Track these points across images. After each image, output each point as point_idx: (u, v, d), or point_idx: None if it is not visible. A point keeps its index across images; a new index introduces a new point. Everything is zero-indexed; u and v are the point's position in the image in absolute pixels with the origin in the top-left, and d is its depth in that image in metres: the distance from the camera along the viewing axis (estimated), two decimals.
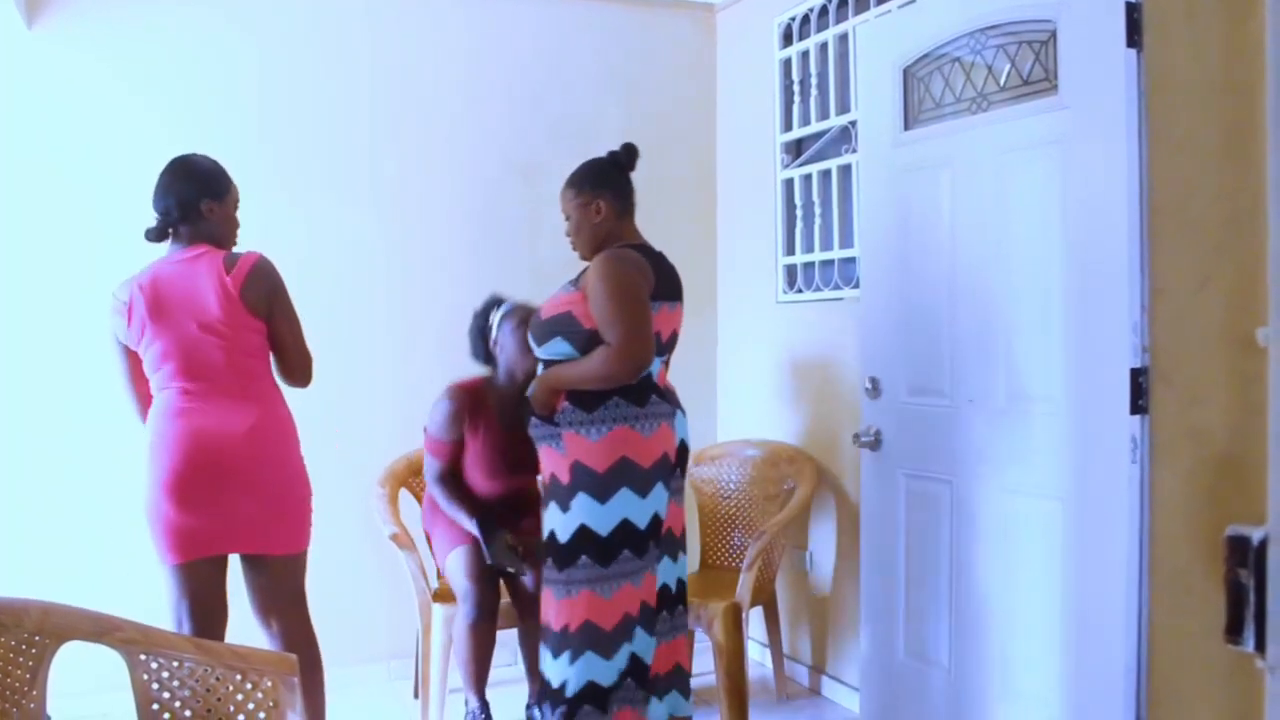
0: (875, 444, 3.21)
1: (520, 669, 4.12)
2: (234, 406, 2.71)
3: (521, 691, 3.59)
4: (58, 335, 3.71)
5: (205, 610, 2.74)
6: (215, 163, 2.87)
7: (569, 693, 2.77)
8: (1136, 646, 2.45)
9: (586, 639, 2.76)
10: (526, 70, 4.31)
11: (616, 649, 2.78)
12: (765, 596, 3.80)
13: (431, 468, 3.41)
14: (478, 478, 3.40)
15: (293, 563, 2.83)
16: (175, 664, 1.98)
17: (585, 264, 2.90)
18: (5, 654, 1.83)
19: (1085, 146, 2.53)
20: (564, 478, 2.80)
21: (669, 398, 2.91)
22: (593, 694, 2.78)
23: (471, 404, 3.38)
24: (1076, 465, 2.59)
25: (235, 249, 2.84)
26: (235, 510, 2.69)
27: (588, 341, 2.75)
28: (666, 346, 2.91)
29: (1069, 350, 2.60)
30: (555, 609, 2.81)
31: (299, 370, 2.83)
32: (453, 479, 3.41)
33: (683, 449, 2.93)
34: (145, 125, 3.79)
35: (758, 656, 4.24)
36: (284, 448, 2.79)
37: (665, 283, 2.87)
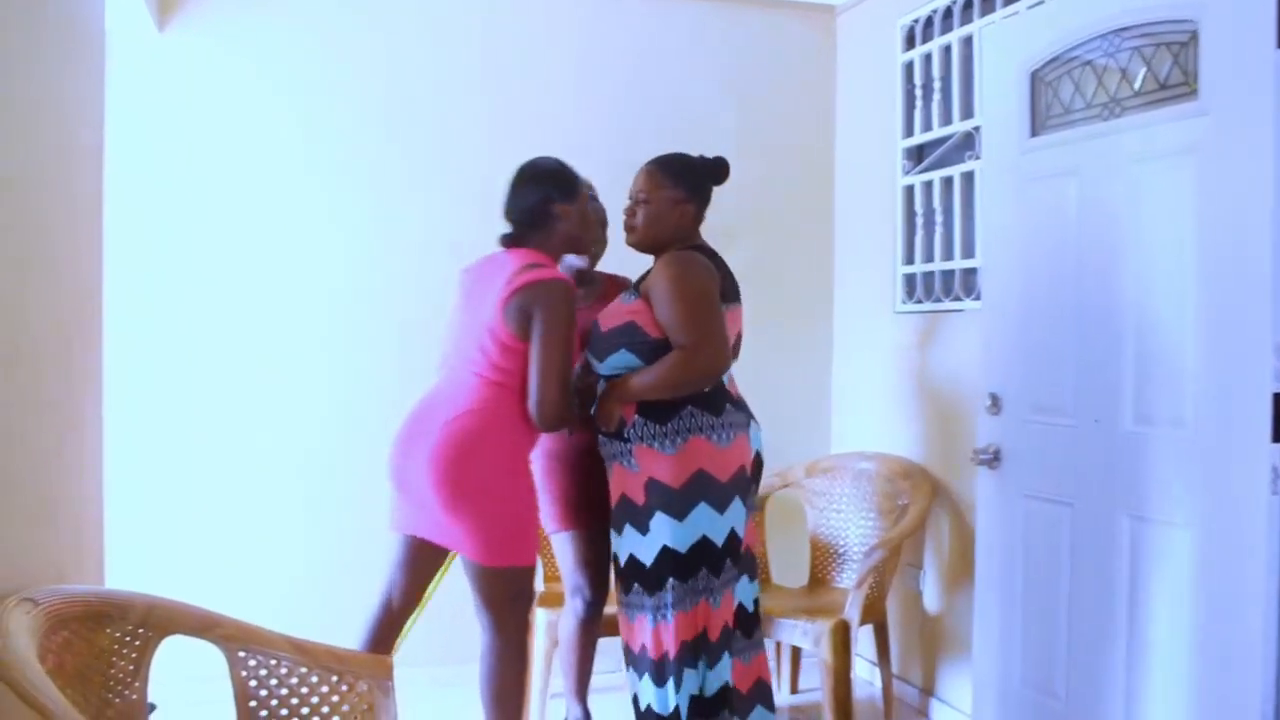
0: (994, 462, 3.09)
1: (621, 677, 4.11)
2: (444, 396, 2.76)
3: (625, 700, 3.56)
4: (188, 334, 3.83)
5: None
6: (561, 163, 2.87)
7: (683, 716, 2.72)
8: (1276, 685, 2.30)
9: (687, 658, 2.71)
10: (639, 71, 4.29)
11: (715, 660, 2.73)
12: (876, 615, 3.70)
13: None
14: None
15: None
16: (273, 662, 2.01)
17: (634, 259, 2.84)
18: (110, 645, 1.88)
19: (1226, 155, 2.38)
20: (638, 498, 2.72)
21: (742, 407, 2.82)
22: (699, 708, 2.73)
23: None
24: (1209, 493, 2.44)
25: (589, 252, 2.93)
26: None
27: (655, 352, 2.67)
28: (734, 351, 2.83)
29: (1203, 372, 2.45)
30: (648, 634, 2.74)
31: (536, 402, 2.64)
32: None
33: (758, 461, 2.85)
34: (275, 125, 3.89)
35: (866, 675, 4.13)
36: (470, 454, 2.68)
37: (729, 284, 2.79)
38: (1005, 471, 3.06)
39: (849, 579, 3.81)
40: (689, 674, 2.71)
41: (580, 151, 4.19)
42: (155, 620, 1.90)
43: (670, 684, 2.71)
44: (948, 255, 3.79)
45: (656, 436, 2.69)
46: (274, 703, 2.01)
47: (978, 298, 3.48)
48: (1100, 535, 2.74)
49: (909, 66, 4.00)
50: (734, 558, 2.75)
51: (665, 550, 2.69)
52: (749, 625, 2.88)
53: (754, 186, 4.38)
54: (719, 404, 2.71)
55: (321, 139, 3.93)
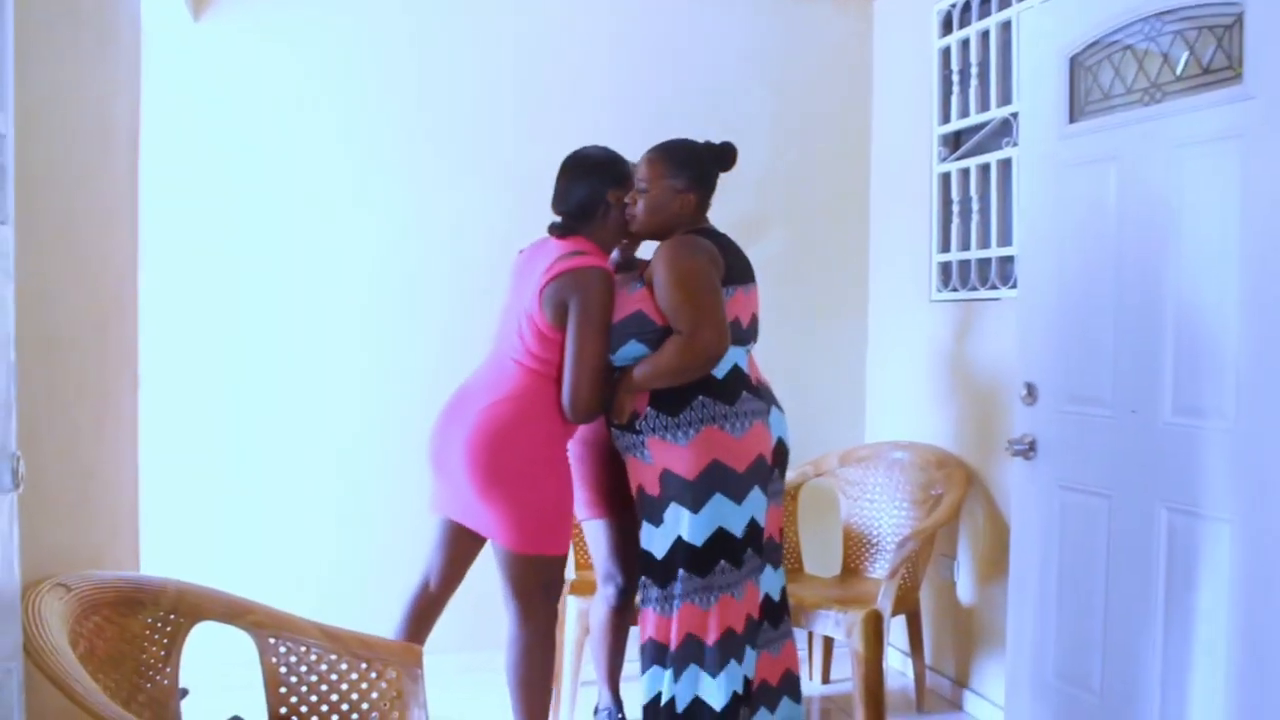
0: (1029, 453, 3.04)
1: None
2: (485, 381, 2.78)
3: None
4: (224, 322, 3.85)
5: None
6: (611, 151, 2.86)
7: (679, 709, 2.70)
8: None
9: (689, 653, 2.68)
10: (673, 59, 4.26)
11: (722, 666, 2.69)
12: (909, 605, 3.67)
13: None
14: None
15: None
16: (303, 649, 2.02)
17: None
18: (142, 631, 1.89)
19: (1272, 139, 2.32)
20: (653, 489, 2.71)
21: (763, 393, 2.78)
22: (700, 712, 2.69)
23: None
24: (1251, 487, 2.39)
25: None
26: None
27: (663, 340, 2.64)
28: (749, 333, 2.78)
29: (1247, 362, 2.40)
30: (655, 624, 2.73)
31: (568, 393, 2.64)
32: None
33: (781, 449, 2.81)
34: (310, 114, 3.89)
35: (899, 666, 4.10)
36: (505, 440, 2.68)
37: (736, 265, 2.75)
38: (1041, 462, 3.02)
39: (882, 569, 3.78)
40: (694, 670, 2.68)
41: (614, 140, 4.20)
42: (186, 606, 1.91)
43: (670, 671, 2.70)
44: (984, 243, 3.74)
45: (669, 428, 2.67)
46: (304, 689, 2.02)
47: (1014, 286, 3.44)
48: (1138, 528, 2.69)
49: (946, 52, 3.95)
50: (756, 547, 2.72)
51: (679, 542, 2.67)
52: (776, 615, 2.85)
53: (789, 174, 4.35)
54: (733, 392, 2.68)
55: (356, 128, 3.93)
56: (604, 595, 3.21)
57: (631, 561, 3.17)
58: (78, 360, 2.08)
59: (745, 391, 2.70)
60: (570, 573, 3.79)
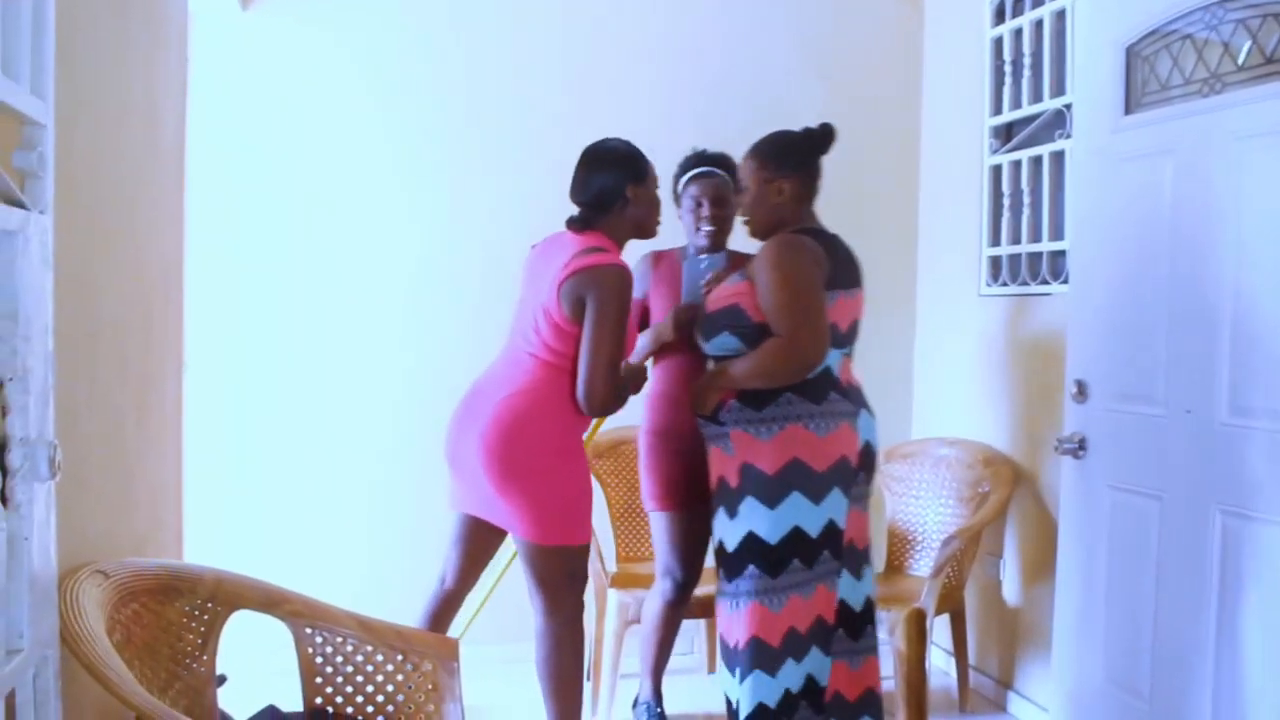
0: (1079, 451, 2.98)
1: (694, 659, 4.09)
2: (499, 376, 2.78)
3: (695, 683, 3.54)
4: (267, 314, 3.87)
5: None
6: (630, 144, 2.83)
7: (742, 715, 2.66)
8: None
9: (755, 656, 2.63)
10: (720, 50, 4.21)
11: (780, 665, 2.64)
12: (953, 604, 3.62)
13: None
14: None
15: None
16: (339, 639, 2.02)
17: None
18: (179, 619, 1.90)
19: None
20: (732, 480, 2.68)
21: (852, 395, 2.73)
22: (763, 716, 2.64)
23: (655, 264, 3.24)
24: None
25: (655, 234, 2.85)
26: None
27: (757, 336, 2.61)
28: (847, 338, 2.74)
29: None
30: (726, 622, 2.70)
31: (583, 387, 2.61)
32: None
33: (868, 452, 2.75)
34: (356, 104, 3.91)
35: (942, 664, 4.05)
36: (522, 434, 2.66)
37: (843, 269, 2.70)
38: (1090, 461, 2.96)
39: (926, 567, 3.73)
40: (758, 674, 2.63)
41: (660, 132, 4.14)
42: (224, 594, 1.92)
43: (737, 674, 2.66)
44: (1036, 237, 3.67)
45: (753, 422, 2.63)
46: (339, 679, 2.02)
47: (1066, 281, 3.37)
48: (1190, 530, 2.62)
49: (998, 42, 3.87)
50: (833, 550, 2.67)
51: (751, 537, 2.63)
52: (856, 626, 2.75)
53: (837, 164, 4.19)
54: (821, 391, 2.63)
55: (401, 119, 3.94)
56: (660, 589, 3.19)
57: (692, 557, 3.16)
58: (121, 350, 2.10)
59: (834, 392, 2.66)
60: (611, 564, 3.78)
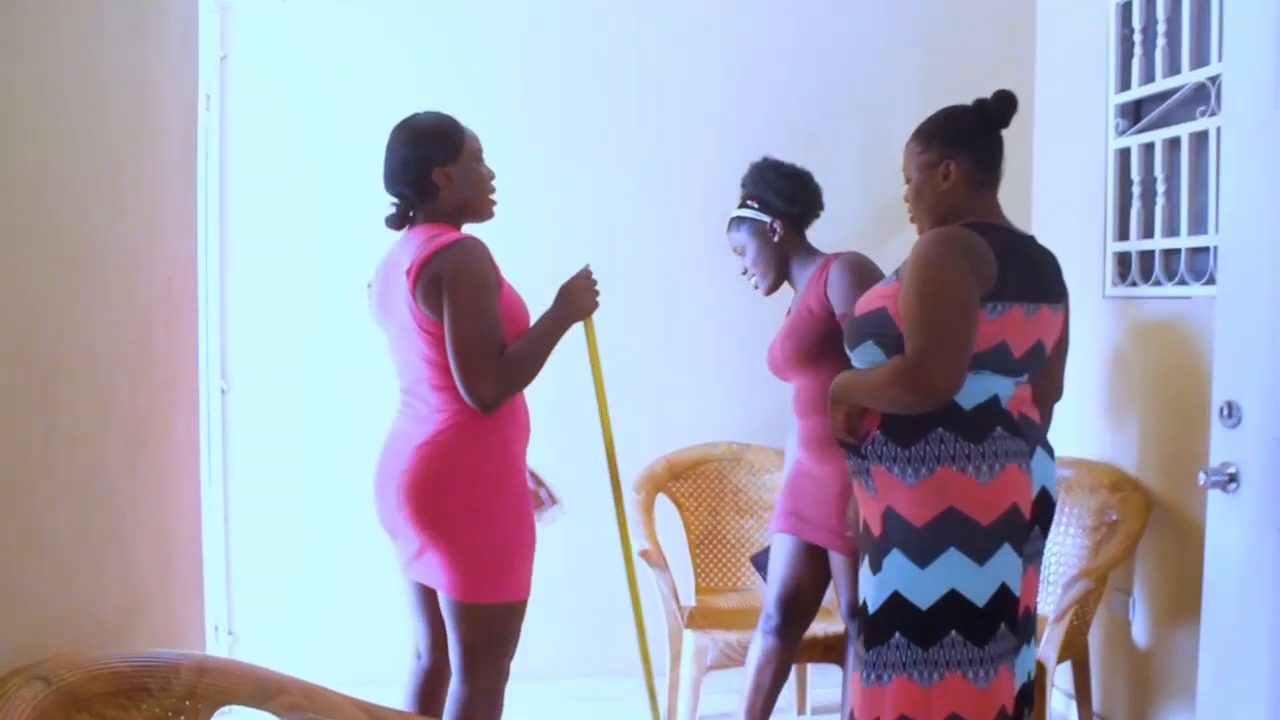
0: (1229, 484, 2.52)
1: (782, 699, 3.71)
2: (404, 427, 2.39)
3: None
4: (316, 308, 3.62)
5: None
6: (441, 116, 2.42)
7: None
8: None
9: None
10: (809, 23, 3.82)
11: None
12: (1076, 651, 3.19)
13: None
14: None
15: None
16: None
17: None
18: None
19: None
20: (875, 527, 2.24)
21: (1025, 431, 2.25)
22: None
23: None
24: None
25: (491, 214, 2.46)
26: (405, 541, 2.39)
27: (900, 349, 2.16)
28: (1022, 365, 2.24)
29: None
30: (863, 699, 2.25)
31: (462, 387, 2.23)
32: None
33: (1044, 500, 2.28)
34: (402, 92, 3.59)
35: (1061, 709, 3.61)
36: (444, 478, 2.30)
37: (1020, 277, 2.20)
38: (1245, 498, 2.50)
39: (1045, 605, 3.30)
40: None
41: (742, 115, 3.80)
42: (206, 690, 1.61)
43: None
44: (1171, 231, 3.21)
45: (897, 460, 2.18)
46: None
47: (1210, 282, 2.91)
48: None
49: (1125, 7, 3.41)
50: (1010, 621, 2.20)
51: (898, 599, 2.19)
52: (1022, 707, 2.31)
53: None
54: (982, 427, 2.17)
55: (454, 102, 3.62)
56: (763, 626, 2.89)
57: (790, 594, 2.85)
58: (102, 384, 1.81)
59: (1000, 427, 2.19)
60: (690, 598, 3.45)
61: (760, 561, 3.06)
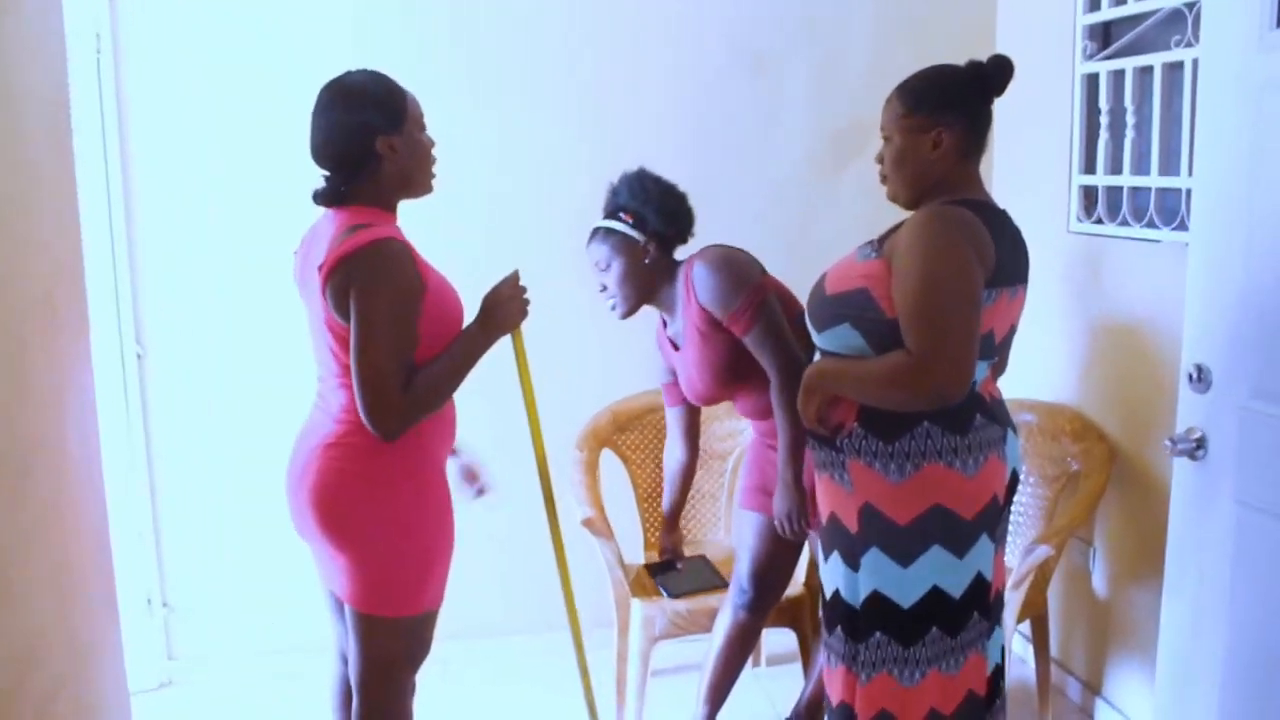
0: (1196, 452, 2.39)
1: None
2: (316, 421, 2.20)
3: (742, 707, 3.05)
4: (235, 262, 3.40)
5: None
6: (378, 76, 2.13)
7: None
8: None
9: None
10: None
11: None
12: (1036, 610, 3.09)
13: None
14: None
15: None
16: None
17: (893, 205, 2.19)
18: None
19: None
20: (851, 524, 2.12)
21: (998, 414, 2.14)
22: None
23: None
24: None
25: (430, 188, 2.21)
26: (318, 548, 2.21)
27: (887, 337, 2.01)
28: (1000, 348, 2.14)
29: None
30: (844, 682, 2.18)
31: (363, 414, 2.00)
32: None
33: (1014, 482, 2.19)
34: (324, 30, 3.32)
35: (1020, 652, 3.55)
36: (351, 486, 2.12)
37: (1009, 260, 2.08)
38: (1211, 466, 2.37)
39: (1004, 559, 3.20)
40: None
41: (685, 38, 3.55)
42: None
43: None
44: (1140, 168, 3.02)
45: (879, 456, 2.06)
46: None
47: (1181, 227, 2.74)
48: None
49: None
50: (981, 609, 2.13)
51: (877, 597, 2.10)
52: (996, 689, 2.25)
53: (898, 76, 3.62)
54: (966, 418, 2.05)
55: (376, 42, 3.35)
56: (733, 602, 2.77)
57: (777, 572, 2.75)
58: None
59: (979, 414, 2.08)
60: (638, 555, 3.32)
61: (660, 575, 3.00)
